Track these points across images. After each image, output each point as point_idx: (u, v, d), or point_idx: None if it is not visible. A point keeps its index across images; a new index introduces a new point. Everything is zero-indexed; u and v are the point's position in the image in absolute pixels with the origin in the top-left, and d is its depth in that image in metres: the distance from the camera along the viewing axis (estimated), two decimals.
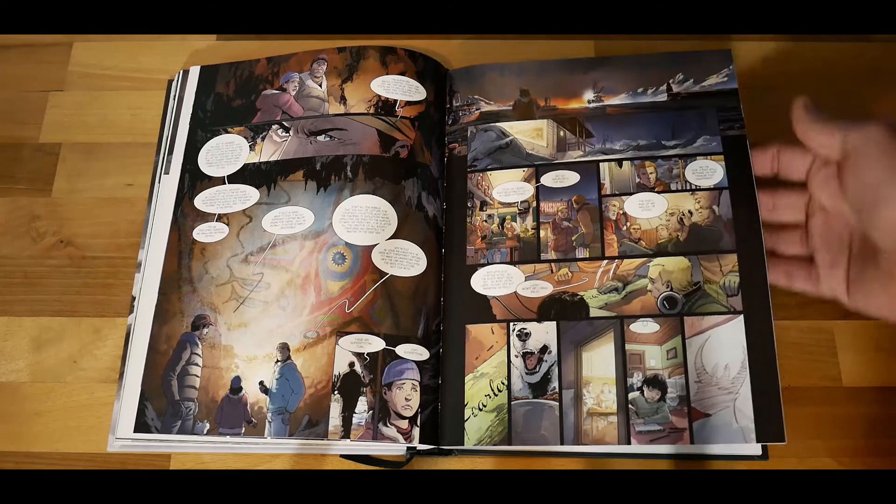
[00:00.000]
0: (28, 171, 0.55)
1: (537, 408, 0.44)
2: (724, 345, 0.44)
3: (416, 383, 0.45)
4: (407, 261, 0.48)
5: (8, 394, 0.49)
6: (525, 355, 0.46)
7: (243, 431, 0.44)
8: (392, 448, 0.46)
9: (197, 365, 0.46)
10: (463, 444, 0.44)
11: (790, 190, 0.46)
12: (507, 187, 0.50)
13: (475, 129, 0.52)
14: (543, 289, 0.47)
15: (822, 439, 0.47)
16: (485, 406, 0.45)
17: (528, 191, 0.50)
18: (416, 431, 0.44)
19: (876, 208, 0.37)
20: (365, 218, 0.48)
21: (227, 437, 0.44)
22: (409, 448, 0.45)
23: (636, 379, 0.44)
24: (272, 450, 0.47)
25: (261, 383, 0.45)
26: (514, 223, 0.49)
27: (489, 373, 0.46)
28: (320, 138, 0.51)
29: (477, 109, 0.53)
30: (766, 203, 0.47)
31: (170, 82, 0.56)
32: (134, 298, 0.49)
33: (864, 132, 0.38)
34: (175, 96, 0.55)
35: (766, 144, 0.47)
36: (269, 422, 0.44)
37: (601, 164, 0.50)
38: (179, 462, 0.47)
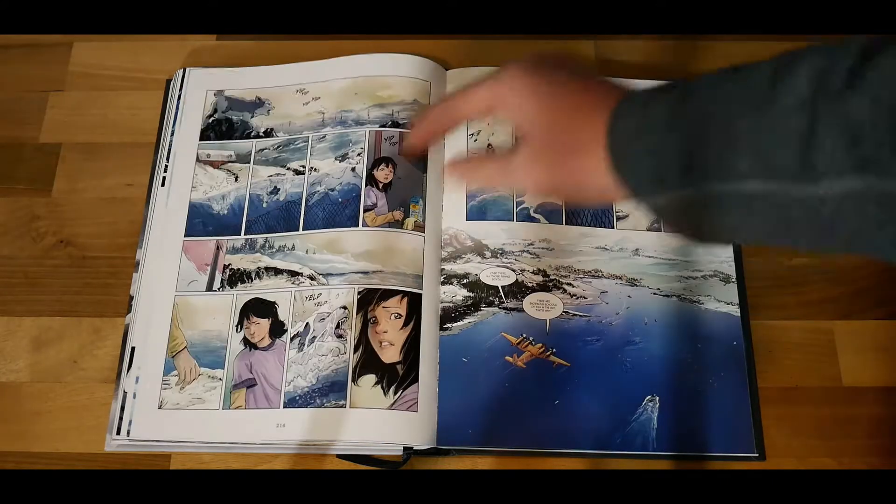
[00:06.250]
0: (28, 171, 0.55)
1: None
2: None
3: None
4: None
5: (8, 394, 0.49)
6: None
7: None
8: (389, 448, 0.46)
9: None
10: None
11: None
12: None
13: None
14: None
15: (822, 439, 0.47)
16: None
17: None
18: None
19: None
20: None
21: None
22: (406, 448, 0.45)
23: None
24: (272, 450, 0.47)
25: None
26: None
27: None
28: None
29: None
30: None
31: (168, 82, 0.56)
32: (132, 298, 0.49)
33: (502, 76, 0.38)
34: (174, 96, 0.55)
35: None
36: None
37: None
38: (179, 462, 0.47)
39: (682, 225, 0.34)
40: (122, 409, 0.47)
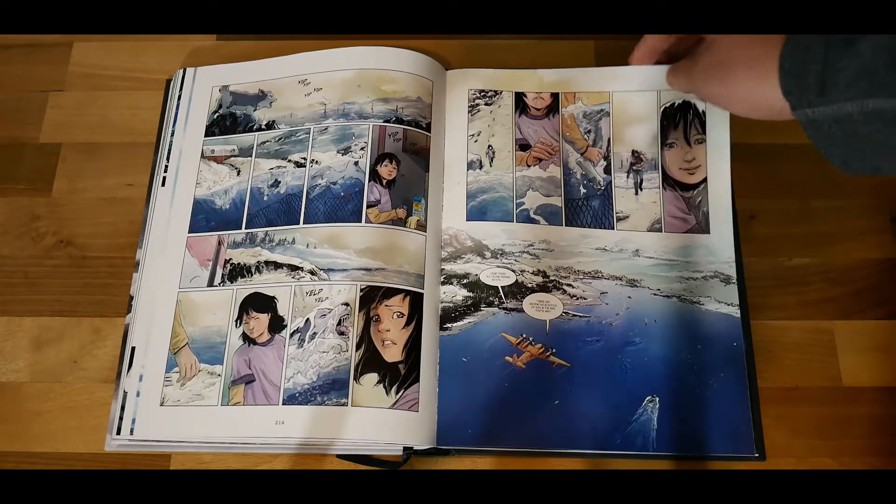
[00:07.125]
0: (28, 171, 0.55)
1: None
2: None
3: None
4: None
5: (8, 394, 0.49)
6: None
7: None
8: (390, 448, 0.46)
9: None
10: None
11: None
12: None
13: None
14: None
15: (822, 439, 0.47)
16: None
17: None
18: None
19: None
20: None
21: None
22: (406, 448, 0.45)
23: None
24: (272, 449, 0.47)
25: None
26: None
27: None
28: None
29: None
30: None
31: (168, 82, 0.56)
32: (132, 298, 0.49)
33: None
34: (174, 96, 0.55)
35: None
36: None
37: None
38: (179, 462, 0.47)
39: (833, 144, 0.38)
40: (123, 408, 0.47)
